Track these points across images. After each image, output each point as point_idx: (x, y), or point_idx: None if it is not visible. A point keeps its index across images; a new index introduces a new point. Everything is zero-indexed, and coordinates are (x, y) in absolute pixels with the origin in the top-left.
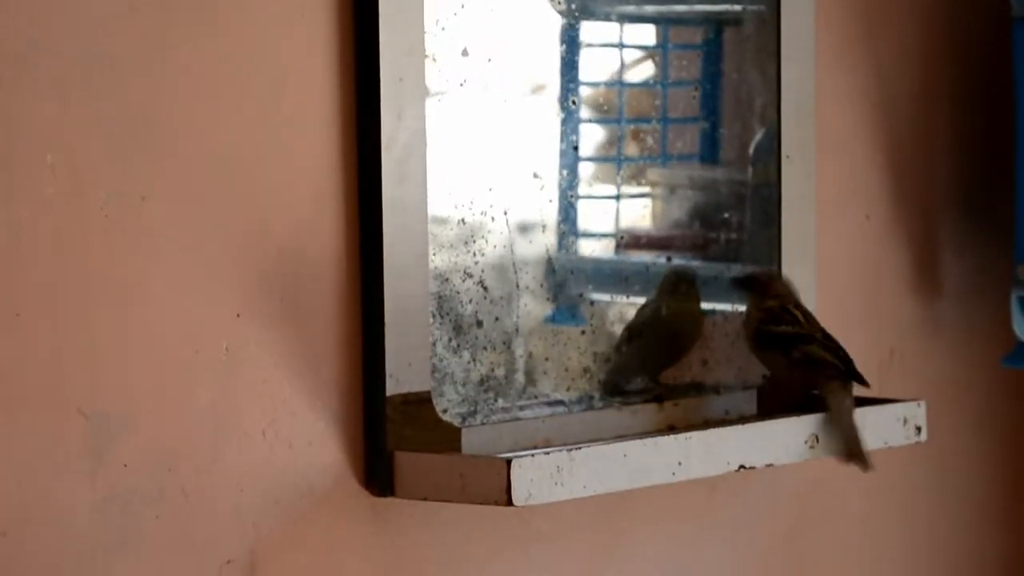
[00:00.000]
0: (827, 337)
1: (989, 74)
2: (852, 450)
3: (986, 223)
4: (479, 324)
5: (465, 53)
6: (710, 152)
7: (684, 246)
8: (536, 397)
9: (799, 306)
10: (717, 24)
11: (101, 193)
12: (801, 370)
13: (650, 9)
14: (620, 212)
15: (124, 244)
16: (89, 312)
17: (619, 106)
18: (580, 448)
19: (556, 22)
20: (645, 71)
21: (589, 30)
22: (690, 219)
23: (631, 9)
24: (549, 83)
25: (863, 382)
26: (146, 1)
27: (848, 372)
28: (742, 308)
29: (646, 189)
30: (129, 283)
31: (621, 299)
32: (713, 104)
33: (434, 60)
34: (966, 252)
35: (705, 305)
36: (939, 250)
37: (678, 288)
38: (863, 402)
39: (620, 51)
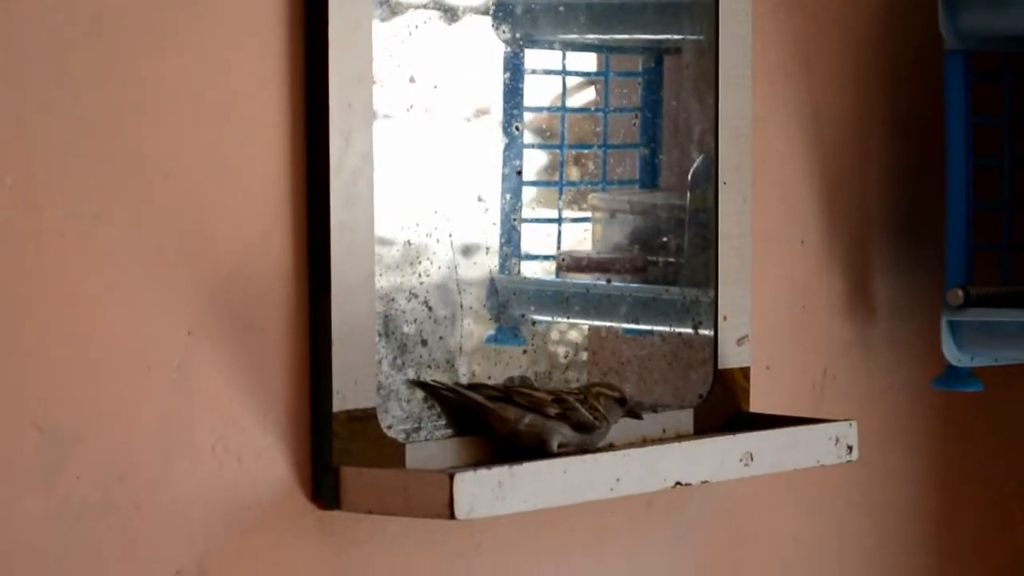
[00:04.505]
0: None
1: (921, 103)
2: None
3: (917, 248)
4: (423, 343)
5: (412, 80)
6: (649, 177)
7: (623, 269)
8: None
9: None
10: (657, 53)
11: (58, 212)
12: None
13: (592, 37)
14: (562, 235)
15: (79, 262)
16: (45, 329)
17: (561, 131)
18: (521, 464)
19: (500, 49)
20: (587, 98)
21: (532, 57)
22: (630, 242)
23: (574, 37)
24: (493, 108)
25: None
26: (104, 26)
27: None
28: (680, 329)
29: (587, 213)
30: (84, 301)
31: (562, 320)
32: (653, 130)
33: (382, 86)
34: (898, 276)
35: (643, 327)
36: (872, 274)
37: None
38: (796, 421)
39: (563, 78)
